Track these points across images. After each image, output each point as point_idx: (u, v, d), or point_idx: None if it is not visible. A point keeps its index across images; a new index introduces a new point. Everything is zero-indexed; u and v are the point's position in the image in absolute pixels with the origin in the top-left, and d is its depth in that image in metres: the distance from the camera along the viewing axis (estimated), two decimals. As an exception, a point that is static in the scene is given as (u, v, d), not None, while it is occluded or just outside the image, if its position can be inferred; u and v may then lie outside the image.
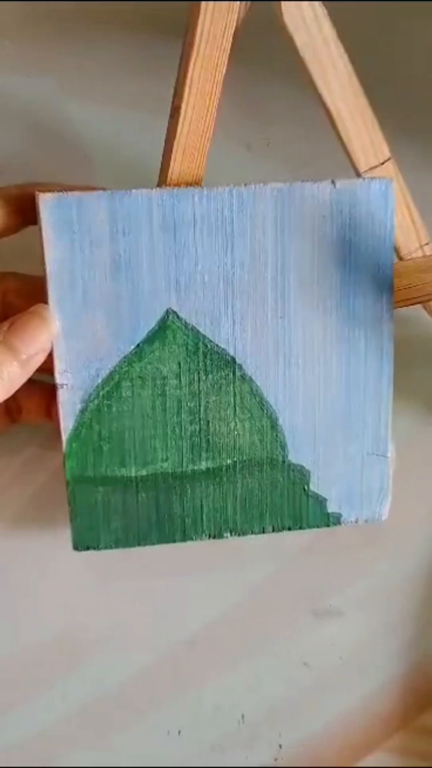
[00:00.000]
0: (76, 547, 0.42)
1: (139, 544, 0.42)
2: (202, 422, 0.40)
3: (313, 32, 0.40)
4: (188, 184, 0.42)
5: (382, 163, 0.44)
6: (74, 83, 0.71)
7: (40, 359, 0.36)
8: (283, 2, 0.39)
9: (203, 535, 0.42)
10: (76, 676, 0.46)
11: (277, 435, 0.41)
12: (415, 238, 0.49)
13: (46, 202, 0.37)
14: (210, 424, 0.40)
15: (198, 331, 0.39)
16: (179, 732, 0.46)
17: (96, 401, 0.39)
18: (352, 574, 0.47)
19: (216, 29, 0.39)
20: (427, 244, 0.47)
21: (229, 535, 0.42)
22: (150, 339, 0.38)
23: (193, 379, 0.39)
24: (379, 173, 0.44)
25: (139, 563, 0.46)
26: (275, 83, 0.69)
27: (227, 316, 0.39)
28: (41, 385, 0.41)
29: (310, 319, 0.40)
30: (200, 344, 0.39)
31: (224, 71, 0.40)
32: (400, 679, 0.47)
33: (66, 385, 0.38)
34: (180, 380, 0.39)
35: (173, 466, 0.40)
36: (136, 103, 0.69)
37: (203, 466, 0.40)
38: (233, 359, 0.39)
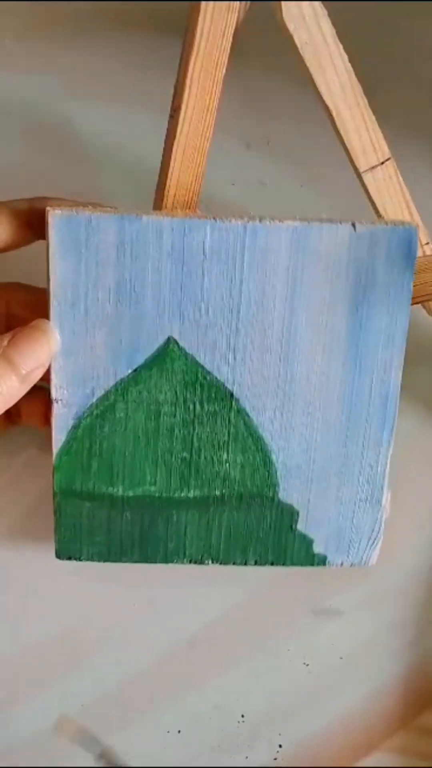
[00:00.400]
0: (58, 556, 0.42)
1: (120, 560, 0.42)
2: (193, 451, 0.39)
3: (313, 31, 0.40)
4: (188, 183, 0.42)
5: (382, 163, 0.44)
6: (74, 83, 0.71)
7: (39, 374, 0.36)
8: (283, 2, 0.39)
9: (184, 560, 0.42)
10: (76, 676, 0.46)
11: (269, 472, 0.40)
12: (415, 237, 0.49)
13: (55, 218, 0.36)
14: (202, 454, 0.39)
15: (197, 362, 0.38)
16: (179, 732, 0.46)
17: (89, 419, 0.38)
18: (353, 573, 0.47)
19: (216, 29, 0.39)
20: (427, 243, 0.47)
21: (210, 562, 0.42)
22: (148, 364, 0.38)
23: (189, 408, 0.39)
24: (379, 173, 0.44)
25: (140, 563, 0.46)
26: (275, 82, 0.69)
27: (229, 350, 0.38)
28: (42, 390, 0.41)
29: (314, 361, 0.39)
30: (198, 375, 0.38)
31: (224, 71, 0.40)
32: (400, 679, 0.47)
33: (61, 400, 0.38)
34: (175, 408, 0.38)
35: (161, 491, 0.40)
36: (136, 103, 0.69)
37: (191, 494, 0.40)
38: (231, 393, 0.39)
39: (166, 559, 0.42)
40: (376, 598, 0.49)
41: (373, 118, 0.43)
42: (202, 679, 0.47)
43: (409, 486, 0.63)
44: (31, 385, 0.36)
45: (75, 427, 0.38)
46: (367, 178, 0.44)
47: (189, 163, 0.42)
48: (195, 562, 0.42)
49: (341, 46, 0.41)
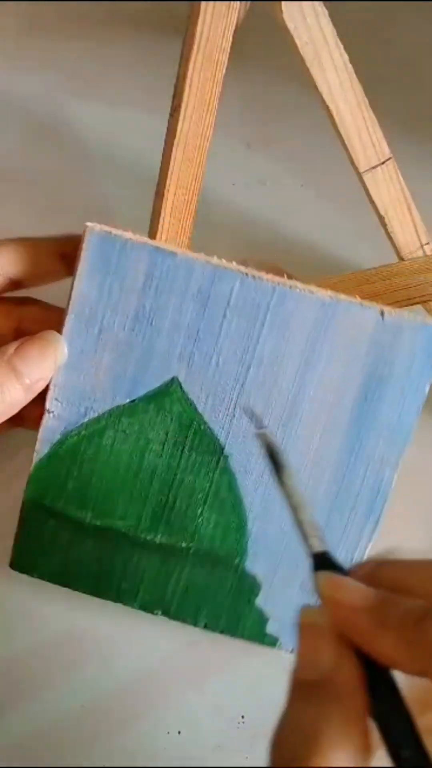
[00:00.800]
0: (11, 566, 0.41)
1: (71, 587, 0.41)
2: (171, 497, 0.38)
3: (313, 31, 0.40)
4: (188, 183, 0.42)
5: (383, 163, 0.44)
6: (74, 83, 0.71)
7: (43, 385, 0.35)
8: (283, 2, 0.39)
9: (134, 604, 0.40)
10: (76, 676, 0.46)
11: (240, 537, 0.38)
12: (416, 238, 0.49)
13: (92, 234, 0.35)
14: (178, 502, 0.38)
15: (196, 409, 0.37)
16: (179, 732, 0.46)
17: (75, 438, 0.37)
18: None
19: (216, 29, 0.39)
20: (427, 243, 0.47)
21: (160, 614, 0.40)
22: (147, 399, 0.37)
23: (176, 453, 0.37)
24: (380, 173, 0.44)
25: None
26: (275, 82, 0.69)
27: (229, 405, 0.37)
28: (44, 395, 0.40)
29: (312, 437, 0.38)
30: (194, 422, 0.37)
31: (224, 70, 0.40)
32: (400, 679, 0.47)
33: (53, 413, 0.37)
34: (163, 449, 0.37)
35: (128, 528, 0.38)
36: (136, 103, 0.69)
37: (158, 539, 0.38)
38: (221, 448, 0.37)
39: (116, 599, 0.40)
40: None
41: (374, 117, 0.43)
42: (202, 679, 0.47)
43: (408, 486, 0.63)
44: (35, 394, 0.35)
45: (60, 443, 0.37)
46: (368, 178, 0.44)
47: (189, 163, 0.42)
48: (145, 610, 0.40)
49: (341, 46, 0.41)
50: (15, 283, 0.37)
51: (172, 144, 0.41)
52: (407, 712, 0.24)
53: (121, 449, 0.37)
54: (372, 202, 0.46)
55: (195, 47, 0.39)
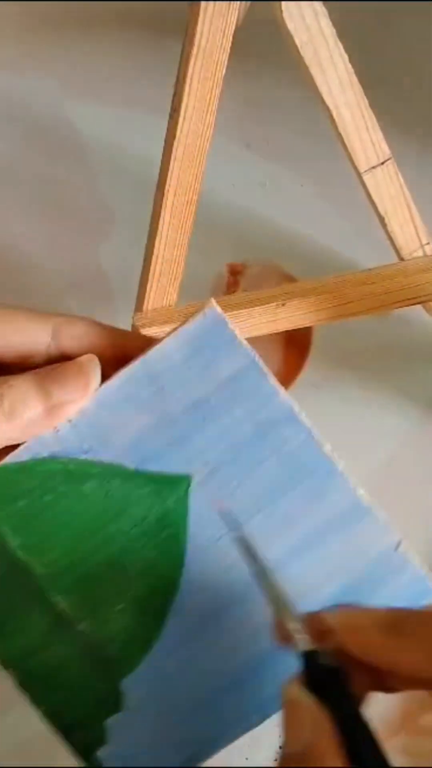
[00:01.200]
0: None
1: None
2: (106, 575, 0.35)
3: (313, 31, 0.40)
4: (188, 183, 0.42)
5: (383, 163, 0.44)
6: (74, 83, 0.71)
7: (69, 411, 0.33)
8: (283, 2, 0.39)
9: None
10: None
11: (137, 654, 0.35)
12: (416, 238, 0.49)
13: (212, 311, 0.33)
14: (107, 584, 0.35)
15: (187, 514, 0.35)
16: (179, 732, 0.45)
17: (59, 466, 0.34)
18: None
19: (216, 29, 0.39)
20: (427, 243, 0.47)
21: (11, 671, 0.36)
22: (151, 478, 0.34)
23: (141, 540, 0.35)
24: (380, 173, 0.44)
25: None
26: (275, 83, 0.69)
27: (221, 530, 0.34)
28: None
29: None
30: (177, 525, 0.34)
31: (224, 70, 0.40)
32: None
33: (58, 431, 0.34)
34: (131, 529, 0.34)
35: (43, 576, 0.35)
36: (136, 103, 0.69)
37: (61, 604, 0.35)
38: (182, 563, 0.35)
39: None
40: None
41: (374, 117, 0.43)
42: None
43: (408, 486, 0.63)
44: (59, 419, 0.33)
45: (41, 461, 0.34)
46: (368, 178, 0.44)
47: (189, 163, 0.42)
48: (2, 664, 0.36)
49: (341, 46, 0.41)
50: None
51: (172, 144, 0.41)
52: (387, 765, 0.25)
53: (94, 505, 0.34)
54: (372, 202, 0.46)
55: (195, 47, 0.39)
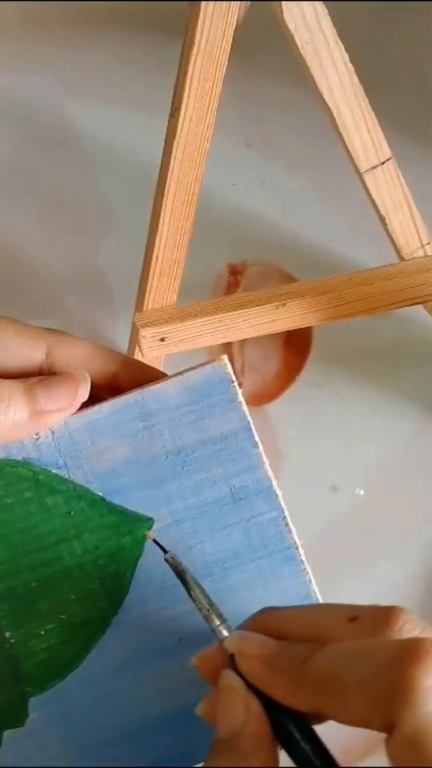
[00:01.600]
0: None
1: None
2: (45, 593, 0.34)
3: (314, 31, 0.40)
4: (188, 183, 0.42)
5: (383, 163, 0.44)
6: (75, 83, 0.71)
7: (56, 418, 0.33)
8: (284, 2, 0.39)
9: None
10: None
11: (56, 674, 0.34)
12: (417, 238, 0.49)
13: (221, 366, 0.33)
14: (45, 602, 0.34)
15: (139, 557, 0.34)
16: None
17: (28, 473, 0.34)
18: (353, 573, 0.47)
19: (216, 29, 0.39)
20: (428, 243, 0.47)
21: None
22: (115, 510, 0.34)
23: (90, 568, 0.34)
24: (380, 173, 0.44)
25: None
26: (275, 82, 0.69)
27: (172, 582, 0.33)
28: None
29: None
30: (126, 566, 0.34)
31: (224, 70, 0.40)
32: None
33: (38, 438, 0.33)
34: (82, 554, 0.34)
35: None
36: (136, 103, 0.69)
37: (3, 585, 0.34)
38: (119, 604, 0.34)
39: None
40: (376, 597, 0.49)
41: (374, 118, 0.43)
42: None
43: (408, 486, 0.63)
44: (44, 426, 0.33)
45: (12, 463, 0.34)
46: (368, 178, 0.44)
47: (189, 163, 0.42)
48: None
49: (342, 46, 0.41)
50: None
51: (172, 144, 0.41)
52: (325, 754, 0.26)
53: (53, 520, 0.34)
54: (372, 202, 0.46)
55: (195, 47, 0.39)
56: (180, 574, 0.30)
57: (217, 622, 0.28)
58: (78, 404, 0.33)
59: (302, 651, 0.26)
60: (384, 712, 0.23)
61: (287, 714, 0.26)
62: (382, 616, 0.26)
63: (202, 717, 0.28)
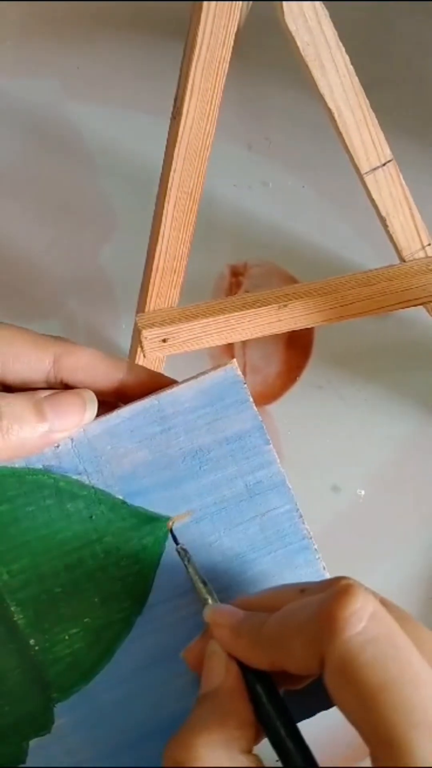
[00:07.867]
0: None
1: None
2: (67, 595, 0.34)
3: (314, 32, 0.40)
4: (190, 184, 0.42)
5: (384, 164, 0.44)
6: (76, 84, 0.71)
7: (62, 437, 0.34)
8: (284, 2, 0.39)
9: None
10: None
11: (80, 679, 0.35)
12: (417, 239, 0.49)
13: (232, 370, 0.34)
14: (67, 606, 0.34)
15: (161, 556, 0.34)
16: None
17: (50, 480, 0.34)
18: (353, 573, 0.47)
19: (217, 30, 0.39)
20: (429, 244, 0.47)
21: None
22: (136, 512, 0.34)
23: (113, 568, 0.34)
24: (381, 174, 0.44)
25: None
26: (276, 83, 0.69)
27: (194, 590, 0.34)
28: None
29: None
30: (147, 565, 0.34)
31: (226, 72, 0.40)
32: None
33: (58, 448, 0.34)
34: (105, 557, 0.34)
35: (11, 579, 0.34)
36: (138, 105, 0.69)
37: (16, 616, 0.34)
38: (142, 604, 0.34)
39: None
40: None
41: (375, 119, 0.43)
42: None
43: (409, 486, 0.63)
44: (50, 444, 0.34)
45: (33, 471, 0.34)
46: (369, 180, 0.45)
47: (191, 164, 0.42)
48: None
49: (342, 47, 0.41)
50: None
51: (174, 145, 0.41)
52: (287, 714, 0.29)
53: (74, 525, 0.34)
54: (373, 203, 0.46)
55: (197, 48, 0.39)
56: (185, 564, 0.32)
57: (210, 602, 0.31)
58: (83, 425, 0.34)
59: (261, 617, 0.29)
60: (316, 649, 0.26)
61: (254, 675, 0.29)
62: (327, 584, 0.28)
63: (183, 659, 0.32)
